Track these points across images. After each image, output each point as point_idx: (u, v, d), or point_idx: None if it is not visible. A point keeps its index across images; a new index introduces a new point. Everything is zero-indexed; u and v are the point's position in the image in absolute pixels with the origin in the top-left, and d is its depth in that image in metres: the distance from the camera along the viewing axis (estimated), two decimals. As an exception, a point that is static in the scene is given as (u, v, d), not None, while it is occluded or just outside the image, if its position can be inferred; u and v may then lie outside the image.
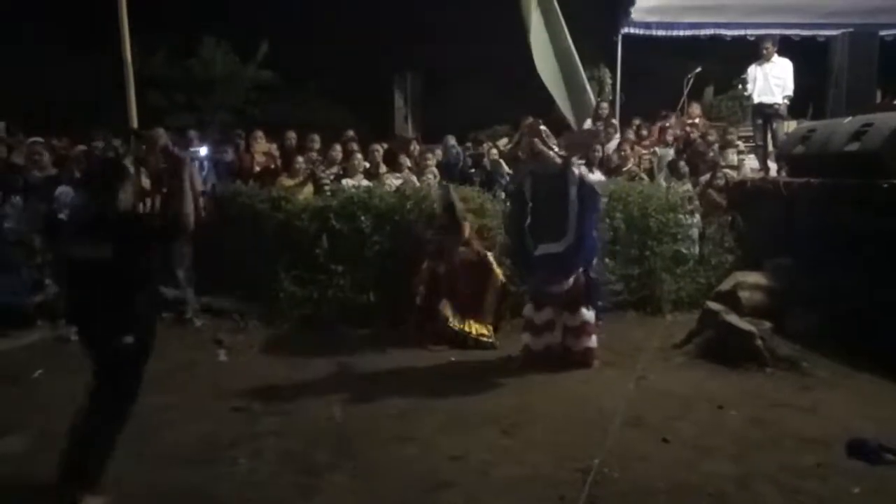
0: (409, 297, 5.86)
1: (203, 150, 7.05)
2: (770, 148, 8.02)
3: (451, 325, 5.61)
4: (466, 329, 5.63)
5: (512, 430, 3.94)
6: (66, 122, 8.48)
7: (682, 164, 7.71)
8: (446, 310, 5.63)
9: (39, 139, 7.60)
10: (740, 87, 9.15)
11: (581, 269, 4.96)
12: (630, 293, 6.57)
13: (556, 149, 5.05)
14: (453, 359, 5.35)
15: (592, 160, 8.17)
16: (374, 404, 4.36)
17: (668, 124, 9.44)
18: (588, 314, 5.04)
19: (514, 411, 4.19)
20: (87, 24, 10.80)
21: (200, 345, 5.66)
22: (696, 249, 6.82)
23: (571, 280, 4.91)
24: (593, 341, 5.08)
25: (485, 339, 5.64)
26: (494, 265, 5.81)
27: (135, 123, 7.16)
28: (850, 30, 7.97)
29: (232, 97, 13.11)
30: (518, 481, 3.34)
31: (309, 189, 6.96)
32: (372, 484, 3.32)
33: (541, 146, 5.02)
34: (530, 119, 5.27)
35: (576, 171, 4.96)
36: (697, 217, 6.93)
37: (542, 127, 5.15)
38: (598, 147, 8.42)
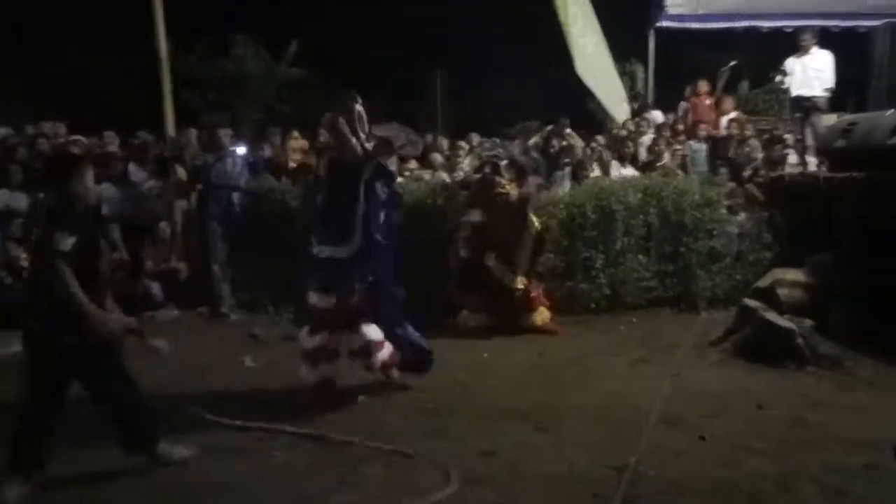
0: (443, 263, 5.94)
1: (239, 149, 7.15)
2: (809, 142, 7.83)
3: (498, 276, 5.64)
4: (510, 282, 5.67)
5: (544, 426, 3.91)
6: (104, 121, 8.66)
7: (722, 170, 7.53)
8: (491, 261, 5.64)
9: (81, 138, 7.80)
10: (777, 79, 8.94)
11: (365, 282, 4.25)
12: (664, 290, 6.48)
13: (363, 138, 4.28)
14: (486, 355, 5.33)
15: (624, 156, 8.10)
16: (404, 399, 4.37)
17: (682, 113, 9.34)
18: (372, 331, 4.26)
19: (546, 408, 4.16)
20: (124, 26, 11.05)
21: (236, 339, 5.73)
22: (735, 246, 6.67)
23: (344, 293, 4.20)
24: (386, 353, 4.31)
25: (519, 290, 5.70)
26: (531, 212, 5.82)
27: (171, 122, 7.37)
28: (893, 20, 7.74)
29: (264, 95, 13.28)
30: (551, 478, 3.30)
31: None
32: (406, 477, 3.33)
33: (344, 129, 4.20)
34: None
35: (372, 168, 4.25)
36: (742, 215, 6.77)
37: (358, 107, 4.32)
38: (630, 143, 8.35)
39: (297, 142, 8.03)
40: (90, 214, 3.43)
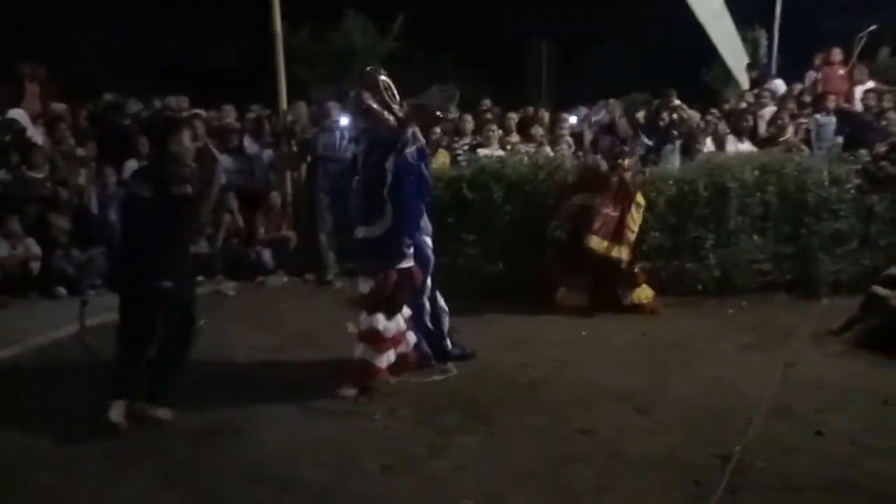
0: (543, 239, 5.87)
1: (344, 120, 7.35)
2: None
3: (599, 251, 5.57)
4: (615, 255, 5.60)
5: (645, 408, 3.80)
6: (222, 95, 9.15)
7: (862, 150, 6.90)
8: (592, 242, 5.58)
9: (201, 111, 8.29)
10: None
11: (401, 259, 4.05)
12: (780, 273, 6.09)
13: (396, 109, 4.08)
14: (584, 333, 5.25)
15: (741, 130, 7.62)
16: (503, 373, 4.37)
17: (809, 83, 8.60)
18: (384, 323, 4.04)
19: (647, 390, 4.04)
20: (240, 4, 11.58)
21: (340, 305, 5.96)
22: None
23: (382, 275, 4.03)
24: (379, 360, 4.05)
25: (628, 266, 5.62)
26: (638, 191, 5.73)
27: (284, 96, 7.68)
28: None
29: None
30: (651, 461, 3.22)
31: (443, 159, 7.07)
32: (501, 450, 3.35)
33: (371, 103, 4.03)
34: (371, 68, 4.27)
35: (410, 140, 4.07)
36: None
37: (383, 78, 4.11)
38: (749, 116, 7.83)
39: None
40: (187, 171, 3.75)
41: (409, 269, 4.09)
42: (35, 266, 6.70)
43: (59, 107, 8.36)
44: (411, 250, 4.10)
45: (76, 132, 7.98)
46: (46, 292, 6.66)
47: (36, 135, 7.73)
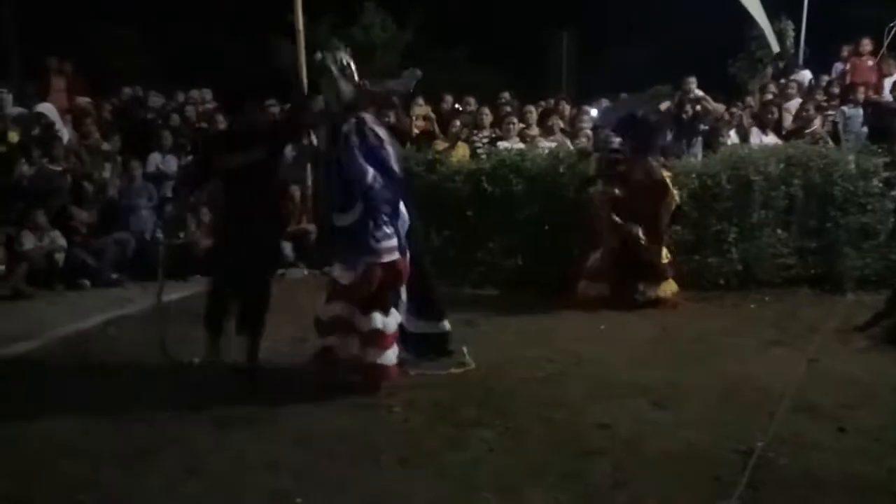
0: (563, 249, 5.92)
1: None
2: None
3: (644, 254, 5.56)
4: (657, 259, 5.59)
5: (663, 403, 3.77)
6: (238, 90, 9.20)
7: None
8: (640, 232, 5.55)
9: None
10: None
11: (377, 254, 3.86)
12: (804, 268, 6.00)
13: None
14: (603, 327, 5.22)
15: (766, 122, 7.50)
16: (520, 367, 4.37)
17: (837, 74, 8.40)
18: (383, 320, 3.92)
19: (665, 384, 4.00)
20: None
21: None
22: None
23: (363, 267, 3.86)
24: (387, 357, 3.94)
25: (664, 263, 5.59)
26: (670, 186, 5.63)
27: (305, 90, 7.70)
28: None
29: (389, 62, 13.53)
30: (670, 456, 3.19)
31: (463, 152, 7.05)
32: (519, 443, 3.34)
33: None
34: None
35: (352, 128, 3.91)
36: None
37: (341, 56, 4.09)
38: (774, 109, 7.70)
39: (421, 108, 8.14)
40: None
41: (393, 262, 3.95)
42: (60, 258, 6.82)
43: (84, 101, 8.48)
44: (389, 242, 3.92)
45: (100, 126, 8.09)
46: (72, 284, 6.78)
47: (63, 129, 7.85)
